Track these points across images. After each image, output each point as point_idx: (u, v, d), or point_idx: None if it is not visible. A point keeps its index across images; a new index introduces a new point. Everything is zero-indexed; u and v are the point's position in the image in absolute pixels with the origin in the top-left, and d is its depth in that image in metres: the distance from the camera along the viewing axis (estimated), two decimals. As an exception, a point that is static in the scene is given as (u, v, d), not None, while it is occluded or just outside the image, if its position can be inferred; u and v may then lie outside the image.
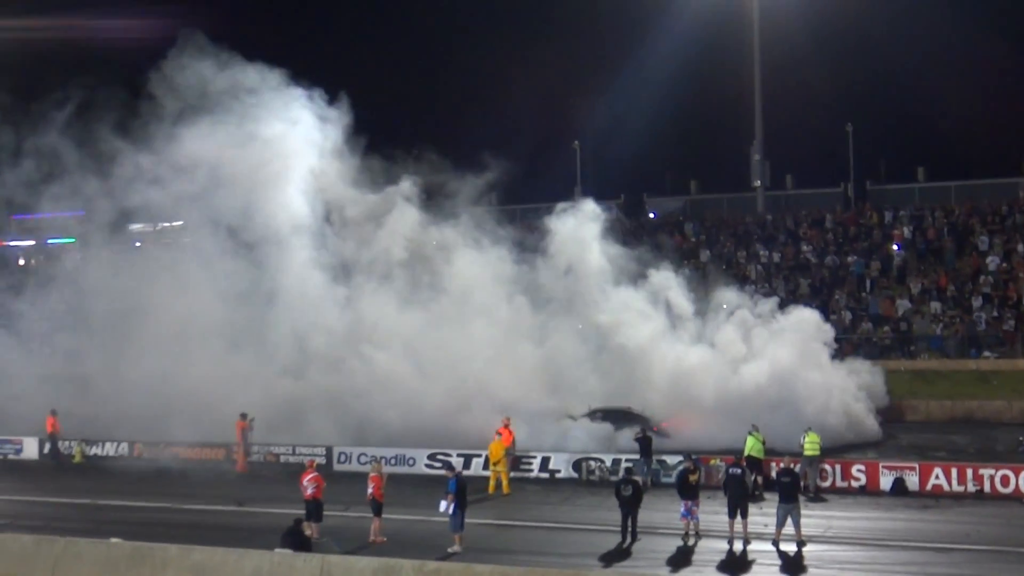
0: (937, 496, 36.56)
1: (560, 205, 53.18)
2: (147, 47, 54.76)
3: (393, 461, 42.80)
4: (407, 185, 52.38)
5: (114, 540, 26.50)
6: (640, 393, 47.90)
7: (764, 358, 47.59)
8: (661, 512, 33.90)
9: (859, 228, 67.75)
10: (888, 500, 36.58)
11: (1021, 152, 70.85)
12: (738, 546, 30.67)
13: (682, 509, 31.73)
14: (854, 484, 38.02)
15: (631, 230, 70.33)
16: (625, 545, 31.01)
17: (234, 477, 44.81)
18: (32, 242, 75.78)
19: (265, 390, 48.23)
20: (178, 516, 36.61)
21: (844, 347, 54.24)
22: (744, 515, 30.99)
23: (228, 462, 46.69)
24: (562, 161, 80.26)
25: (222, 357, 49.34)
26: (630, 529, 31.36)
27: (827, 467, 38.46)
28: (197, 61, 50.53)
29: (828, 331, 49.92)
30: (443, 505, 30.56)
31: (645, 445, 39.79)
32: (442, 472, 35.39)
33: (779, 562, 29.43)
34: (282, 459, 46.14)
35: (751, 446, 37.78)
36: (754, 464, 36.80)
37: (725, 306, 51.18)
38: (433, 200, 53.45)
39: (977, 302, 59.09)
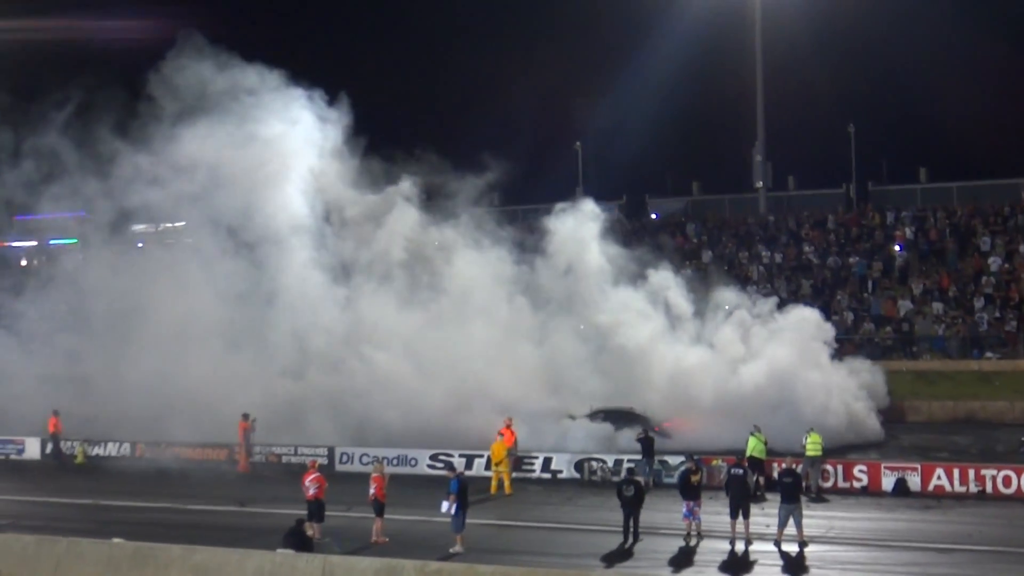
0: (939, 497, 36.56)
1: (559, 205, 53.16)
2: (147, 48, 54.84)
3: (395, 462, 42.83)
4: (407, 185, 52.43)
5: (116, 540, 26.53)
6: (640, 393, 47.89)
7: (763, 358, 47.60)
8: (663, 512, 33.91)
9: (861, 229, 67.74)
10: (890, 501, 36.58)
11: (1023, 153, 70.94)
12: (740, 547, 30.66)
13: (684, 509, 31.74)
14: (856, 484, 38.02)
15: (633, 231, 70.39)
16: (627, 546, 31.01)
17: (236, 477, 44.82)
18: (34, 243, 75.80)
19: (265, 391, 48.23)
20: (180, 516, 36.63)
21: (846, 348, 54.23)
22: (746, 515, 30.99)
23: (230, 462, 46.70)
24: (564, 162, 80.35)
25: (222, 357, 49.33)
26: (632, 529, 31.37)
27: (829, 467, 38.46)
28: (196, 62, 50.58)
29: (828, 330, 49.89)
30: (445, 505, 30.57)
31: (647, 446, 39.79)
32: (444, 473, 35.39)
33: (781, 563, 29.44)
34: (284, 459, 46.17)
35: (753, 446, 37.78)
36: (756, 464, 36.81)
37: (727, 307, 51.15)
38: (434, 201, 53.50)
39: (979, 303, 59.09)
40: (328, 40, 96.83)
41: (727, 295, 51.85)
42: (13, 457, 51.51)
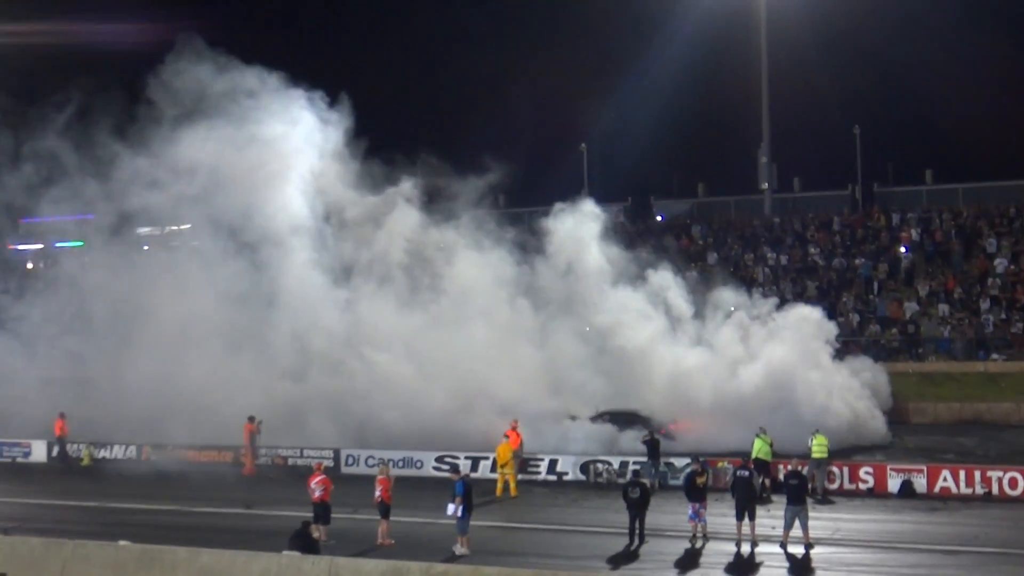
0: (945, 498, 36.55)
1: (557, 205, 53.16)
2: (148, 50, 54.84)
3: (401, 464, 42.89)
4: (407, 186, 52.45)
5: (122, 543, 26.51)
6: (640, 395, 47.94)
7: (762, 359, 47.58)
8: (669, 514, 33.94)
9: (867, 230, 67.68)
10: (896, 502, 36.57)
11: (1029, 154, 70.93)
12: (746, 548, 30.67)
13: (690, 511, 31.72)
14: (862, 486, 38.01)
15: (638, 233, 70.40)
16: (632, 547, 31.01)
17: (242, 480, 44.88)
18: (40, 246, 75.85)
19: (266, 392, 48.22)
20: (186, 519, 36.63)
21: (852, 349, 54.19)
22: (752, 517, 30.98)
23: (236, 465, 46.74)
24: (569, 164, 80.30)
25: (223, 359, 49.36)
26: (638, 531, 31.36)
27: (835, 469, 38.46)
28: (195, 65, 50.64)
29: (830, 329, 49.75)
30: (451, 508, 30.54)
31: (653, 447, 39.79)
32: (449, 475, 35.33)
33: (787, 564, 29.43)
34: (290, 462, 46.24)
35: (759, 448, 37.81)
36: (762, 466, 36.84)
37: (733, 308, 51.11)
38: (437, 203, 53.49)
39: (985, 304, 59.04)
40: (332, 43, 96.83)
41: (726, 295, 51.77)
42: (20, 460, 51.61)
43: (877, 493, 37.61)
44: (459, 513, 30.40)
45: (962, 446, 45.93)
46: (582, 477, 41.77)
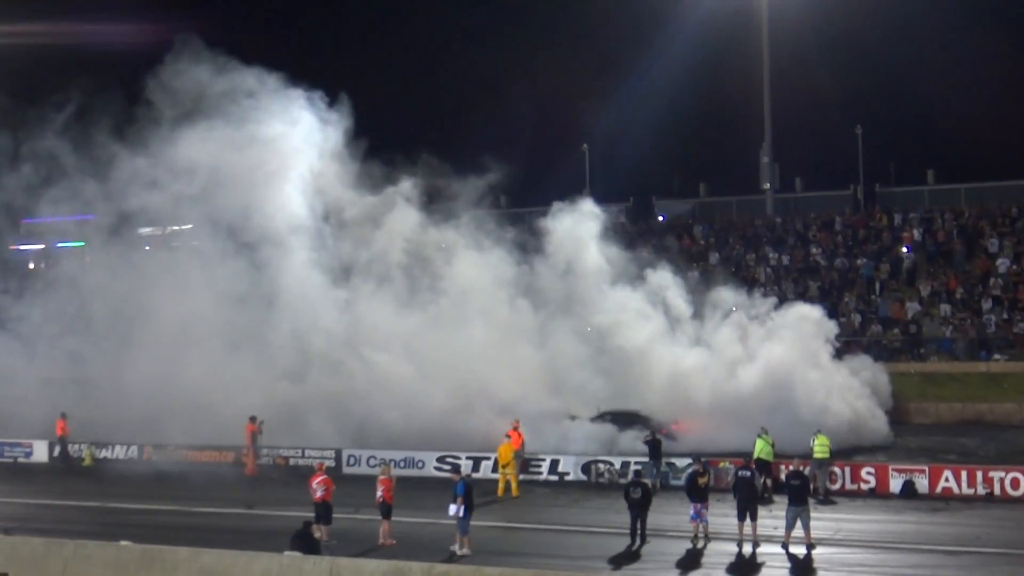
0: (947, 499, 36.53)
1: (556, 204, 53.15)
2: (149, 51, 54.85)
3: (402, 464, 42.91)
4: (407, 186, 52.44)
5: (124, 543, 26.51)
6: (640, 395, 47.95)
7: (761, 358, 47.56)
8: (670, 515, 33.90)
9: (868, 231, 67.67)
10: (898, 503, 36.54)
11: (1031, 154, 70.88)
12: (747, 549, 30.64)
13: (691, 512, 31.70)
14: (864, 487, 37.98)
15: (639, 232, 70.42)
16: (634, 548, 30.98)
17: (243, 480, 44.88)
18: (41, 246, 75.88)
19: (265, 393, 48.20)
20: (187, 519, 36.60)
21: (853, 349, 54.15)
22: (753, 518, 30.97)
23: (237, 465, 46.73)
24: (571, 164, 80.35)
25: (223, 359, 49.36)
26: (639, 532, 31.34)
27: (837, 470, 38.44)
28: (193, 66, 50.66)
29: (829, 328, 49.69)
30: (453, 509, 30.51)
31: (654, 448, 39.77)
32: (449, 475, 35.28)
33: (788, 565, 29.39)
34: (291, 462, 46.24)
35: (760, 449, 37.80)
36: (763, 467, 36.82)
37: (735, 308, 51.10)
38: (438, 203, 53.49)
39: (987, 304, 59.01)
40: (332, 43, 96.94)
41: (725, 295, 51.72)
42: (21, 460, 51.61)
43: (879, 493, 37.58)
44: (461, 513, 30.38)
45: (964, 446, 45.94)
46: (583, 477, 41.76)
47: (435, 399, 47.11)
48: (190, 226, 56.91)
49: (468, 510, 30.54)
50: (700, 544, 31.30)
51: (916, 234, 65.66)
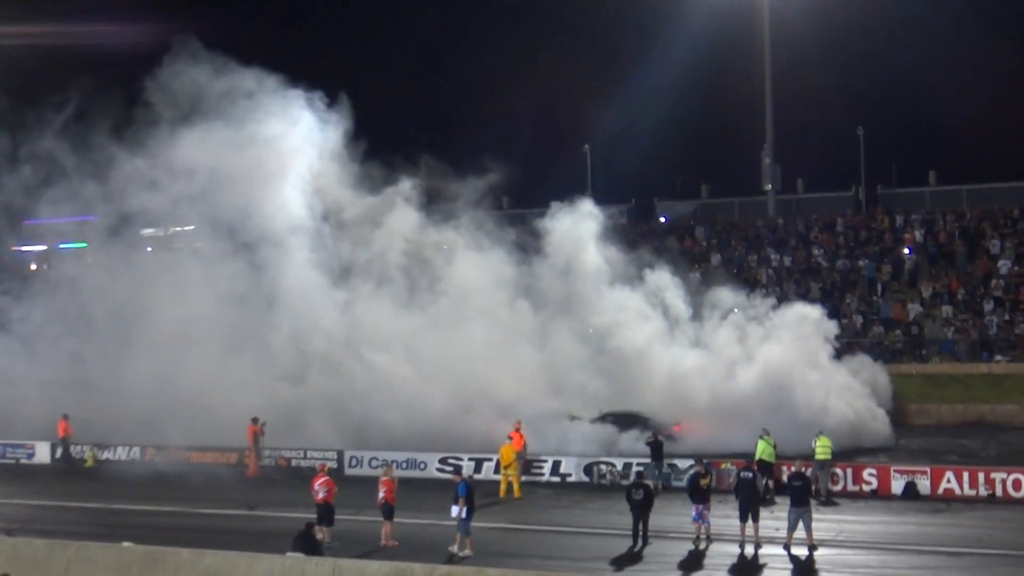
0: (949, 500, 36.52)
1: (554, 204, 53.19)
2: (150, 52, 54.87)
3: (404, 465, 42.92)
4: (407, 186, 52.45)
5: (126, 544, 26.57)
6: (639, 396, 47.94)
7: (760, 359, 47.53)
8: (672, 516, 33.93)
9: (870, 232, 67.64)
10: (900, 504, 36.52)
11: (1033, 155, 70.85)
12: (749, 550, 30.66)
13: (693, 513, 31.72)
14: (865, 488, 37.97)
15: (641, 234, 70.43)
16: (636, 549, 31.00)
17: (245, 481, 44.89)
18: (43, 247, 75.94)
19: (265, 394, 48.16)
20: (190, 520, 36.65)
21: (854, 350, 54.07)
22: (755, 519, 31.00)
23: (239, 466, 46.74)
24: (573, 165, 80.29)
25: (222, 360, 49.33)
26: (641, 533, 31.36)
27: (838, 471, 38.43)
28: (192, 67, 50.69)
29: (829, 328, 49.62)
30: (455, 510, 30.56)
31: (656, 449, 39.78)
32: (450, 476, 35.28)
33: (790, 566, 29.43)
34: (293, 463, 46.25)
35: (762, 450, 37.80)
36: (765, 468, 36.79)
37: (736, 310, 51.07)
38: (440, 204, 53.48)
39: (988, 306, 58.96)
40: (335, 43, 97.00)
41: (725, 295, 51.69)
42: (23, 461, 51.59)
43: (881, 495, 37.56)
44: (463, 514, 30.41)
45: (966, 448, 45.87)
46: (585, 479, 41.76)
47: (435, 400, 47.12)
48: (192, 227, 56.94)
49: (470, 511, 30.58)
50: (702, 545, 31.32)
51: (918, 235, 65.61)
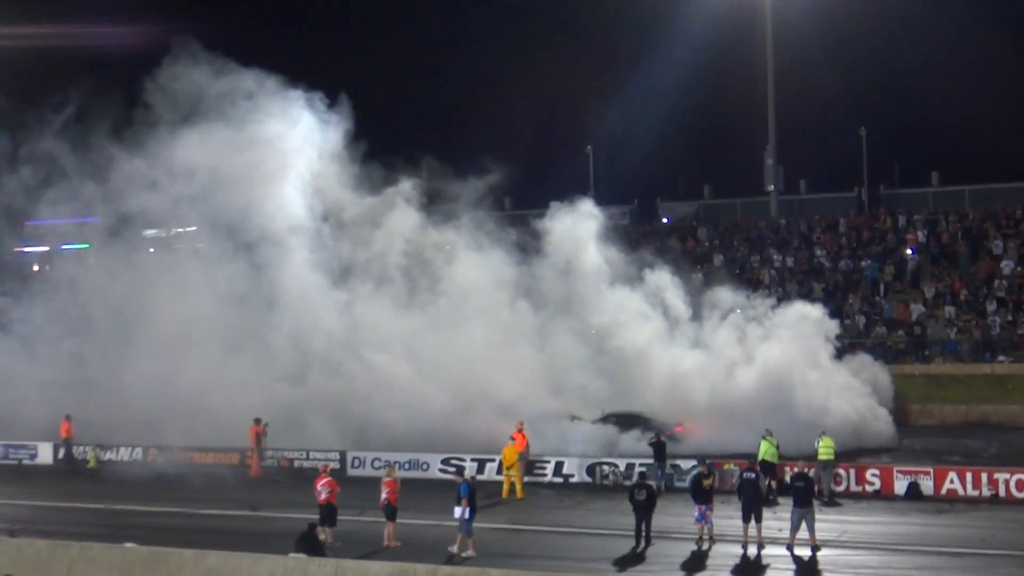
0: (952, 500, 36.51)
1: (553, 204, 53.19)
2: (150, 52, 54.90)
3: (407, 466, 42.90)
4: (407, 187, 52.46)
5: (129, 544, 26.54)
6: (639, 396, 47.93)
7: (760, 359, 47.51)
8: (675, 516, 33.92)
9: (873, 232, 67.63)
10: (903, 504, 36.50)
11: (1035, 156, 70.83)
12: (752, 550, 30.63)
13: (696, 513, 31.72)
14: (868, 488, 37.94)
15: (644, 234, 70.42)
16: (639, 550, 31.00)
17: (248, 482, 44.89)
18: (45, 248, 75.97)
19: (265, 394, 48.15)
20: (192, 520, 36.66)
21: (857, 351, 54.02)
22: (758, 519, 30.97)
23: (242, 467, 46.74)
24: (575, 166, 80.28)
25: (223, 361, 49.31)
26: (644, 534, 31.36)
27: (841, 471, 38.40)
28: (191, 68, 50.71)
29: (830, 327, 49.54)
30: (458, 511, 30.53)
31: (659, 450, 39.77)
32: (452, 477, 35.25)
33: (793, 566, 29.41)
34: (295, 464, 46.25)
35: (765, 450, 37.77)
36: (768, 468, 36.77)
37: (738, 310, 51.04)
38: (442, 205, 53.48)
39: (991, 306, 58.93)
40: (336, 44, 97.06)
41: (725, 295, 51.65)
42: (26, 462, 51.56)
43: (884, 495, 37.53)
44: (466, 515, 30.39)
45: (969, 448, 45.90)
46: (588, 479, 41.74)
47: (435, 400, 47.14)
48: (194, 228, 56.97)
49: (472, 512, 30.57)
50: (705, 546, 31.31)
51: (920, 236, 65.58)
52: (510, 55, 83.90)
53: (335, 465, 42.52)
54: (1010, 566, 28.86)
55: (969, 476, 37.09)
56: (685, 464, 39.29)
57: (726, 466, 38.42)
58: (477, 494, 31.39)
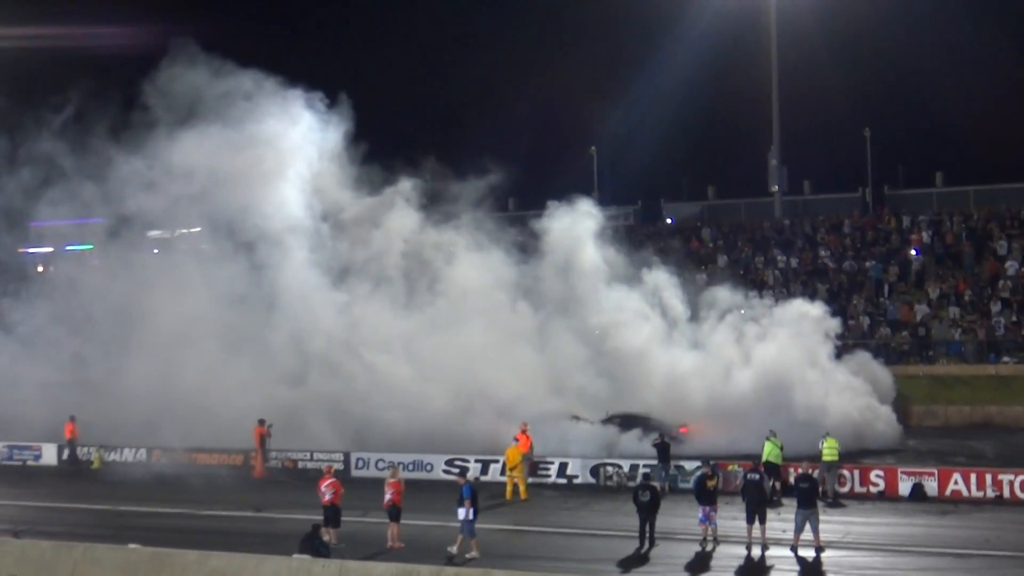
0: (956, 502, 36.48)
1: (552, 203, 53.17)
2: (150, 53, 54.95)
3: (411, 467, 42.89)
4: (406, 186, 52.46)
5: (133, 546, 26.57)
6: (639, 397, 47.90)
7: (759, 360, 47.44)
8: (679, 518, 33.91)
9: (877, 233, 67.53)
10: (907, 506, 36.48)
11: (1040, 156, 70.76)
12: (756, 552, 30.62)
13: (700, 515, 31.72)
14: (872, 489, 37.93)
15: (648, 235, 70.40)
16: (643, 551, 30.99)
17: (252, 483, 44.90)
18: (50, 249, 76.00)
19: (265, 395, 48.13)
20: (196, 522, 36.70)
21: (857, 351, 53.94)
22: (762, 521, 30.94)
23: (246, 468, 46.75)
24: (579, 167, 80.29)
25: (222, 361, 49.33)
26: (648, 535, 31.35)
27: (845, 472, 38.39)
28: (190, 70, 50.76)
29: (830, 325, 49.46)
30: (462, 512, 30.49)
31: (663, 451, 39.75)
32: (455, 478, 35.24)
33: (797, 568, 29.40)
34: (299, 465, 46.25)
35: (769, 451, 37.75)
36: (772, 469, 36.77)
37: (741, 311, 50.99)
38: (444, 205, 53.45)
39: (996, 307, 58.84)
40: (338, 44, 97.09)
41: (724, 295, 51.59)
42: (30, 463, 51.60)
43: (888, 496, 37.53)
44: (470, 516, 30.38)
45: (973, 449, 45.87)
46: (592, 480, 41.74)
47: (436, 401, 47.17)
48: (198, 229, 57.01)
49: (474, 513, 30.56)
50: (709, 547, 31.30)
51: (925, 236, 65.49)
52: (514, 56, 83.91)
53: (339, 466, 42.40)
54: (1014, 567, 28.84)
55: (973, 477, 37.07)
56: (689, 465, 39.29)
57: (730, 467, 38.38)
58: (480, 495, 31.41)
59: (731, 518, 32.71)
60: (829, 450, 37.96)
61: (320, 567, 24.48)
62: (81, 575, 25.78)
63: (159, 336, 50.74)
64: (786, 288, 63.13)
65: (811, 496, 30.62)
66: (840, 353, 50.22)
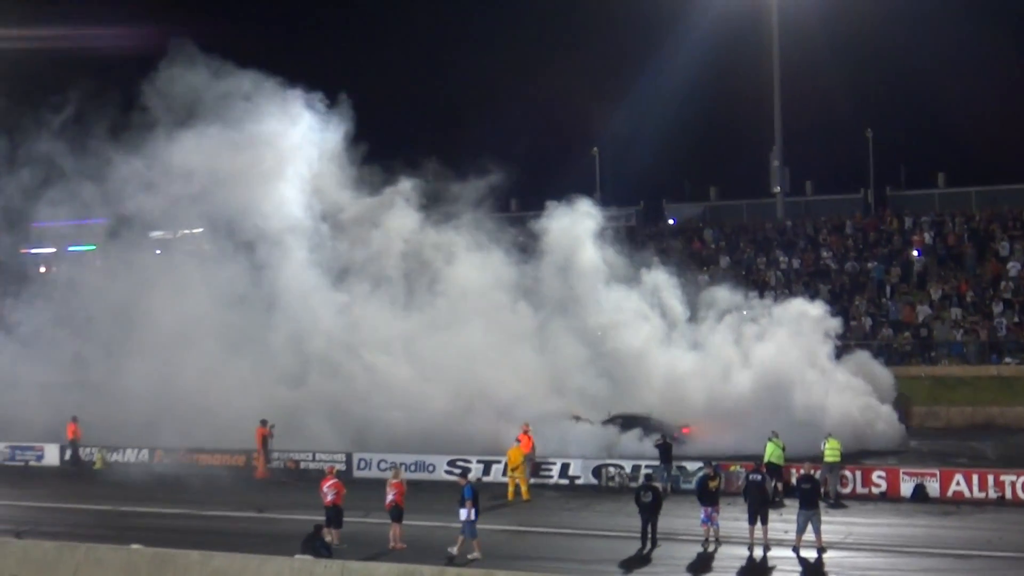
0: (958, 502, 36.47)
1: (551, 204, 53.17)
2: (150, 54, 54.99)
3: (413, 467, 42.86)
4: (406, 186, 52.47)
5: (135, 546, 26.61)
6: (639, 397, 47.86)
7: (758, 360, 47.40)
8: (681, 518, 33.90)
9: (879, 234, 67.55)
10: (909, 506, 36.47)
11: (1042, 157, 70.74)
12: (758, 552, 30.62)
13: (702, 515, 31.70)
14: (874, 490, 37.92)
15: (650, 236, 70.41)
16: (645, 552, 30.96)
17: (254, 483, 44.89)
18: (52, 249, 76.02)
19: (264, 395, 48.12)
20: (198, 522, 36.70)
21: (857, 351, 53.90)
22: (764, 521, 30.94)
23: (248, 468, 46.75)
24: (581, 168, 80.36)
25: (222, 362, 49.32)
26: (650, 535, 31.31)
27: (847, 473, 38.38)
28: (188, 71, 50.79)
29: (830, 325, 49.40)
30: (464, 513, 30.46)
31: (665, 451, 39.75)
32: (456, 479, 35.26)
33: (799, 568, 29.39)
34: (302, 466, 46.23)
35: (771, 452, 37.73)
36: (774, 470, 36.75)
37: (744, 312, 50.98)
38: (445, 206, 53.44)
39: (998, 308, 58.88)
40: (339, 45, 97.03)
41: (725, 296, 51.57)
42: (32, 464, 51.60)
43: (890, 497, 37.51)
44: (472, 517, 30.38)
45: (975, 450, 45.82)
46: (594, 481, 41.73)
47: (436, 401, 47.16)
48: (200, 230, 57.03)
49: (476, 513, 30.56)
50: (711, 548, 31.29)
51: (927, 237, 65.52)
52: (515, 56, 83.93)
53: (341, 467, 42.44)
54: (1016, 568, 28.85)
55: (975, 478, 37.05)
56: (691, 466, 39.29)
57: (732, 468, 38.36)
58: (482, 496, 31.42)
59: (733, 519, 32.70)
60: (831, 451, 37.94)
61: (322, 568, 24.51)
62: (84, 575, 25.81)
63: (159, 336, 50.76)
64: (788, 289, 63.12)
65: (813, 497, 30.60)
66: (840, 353, 50.13)
